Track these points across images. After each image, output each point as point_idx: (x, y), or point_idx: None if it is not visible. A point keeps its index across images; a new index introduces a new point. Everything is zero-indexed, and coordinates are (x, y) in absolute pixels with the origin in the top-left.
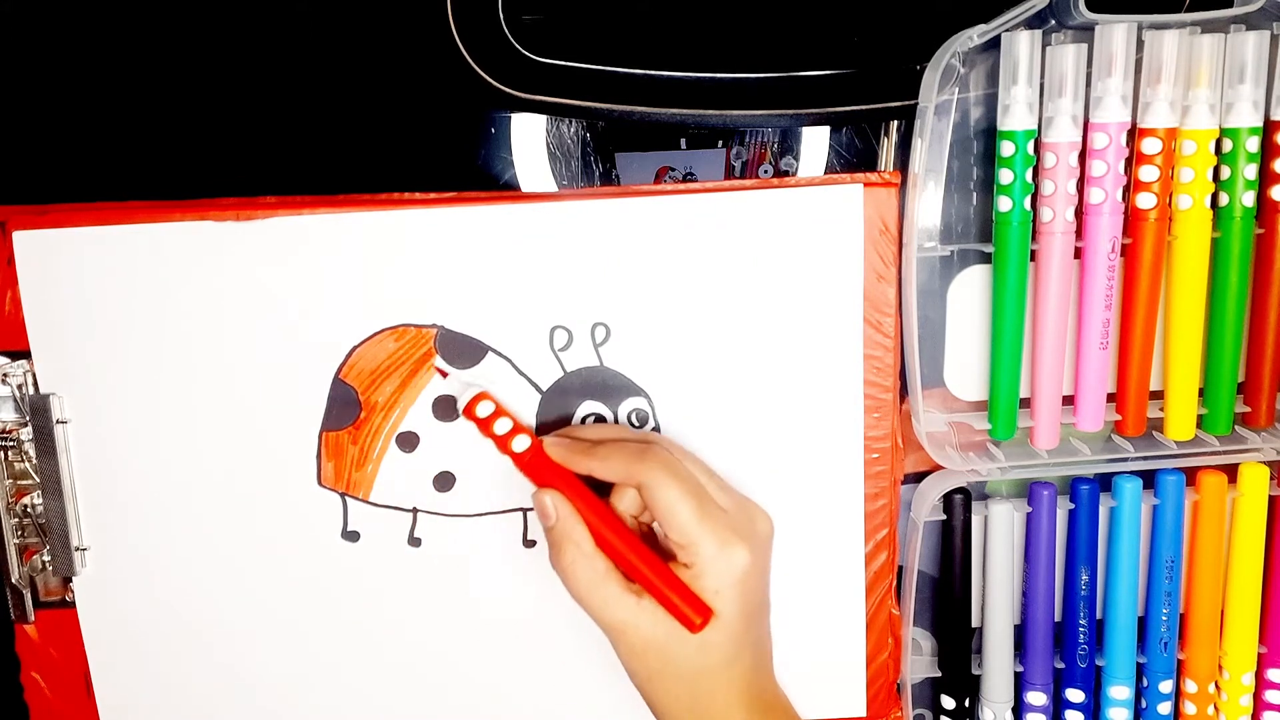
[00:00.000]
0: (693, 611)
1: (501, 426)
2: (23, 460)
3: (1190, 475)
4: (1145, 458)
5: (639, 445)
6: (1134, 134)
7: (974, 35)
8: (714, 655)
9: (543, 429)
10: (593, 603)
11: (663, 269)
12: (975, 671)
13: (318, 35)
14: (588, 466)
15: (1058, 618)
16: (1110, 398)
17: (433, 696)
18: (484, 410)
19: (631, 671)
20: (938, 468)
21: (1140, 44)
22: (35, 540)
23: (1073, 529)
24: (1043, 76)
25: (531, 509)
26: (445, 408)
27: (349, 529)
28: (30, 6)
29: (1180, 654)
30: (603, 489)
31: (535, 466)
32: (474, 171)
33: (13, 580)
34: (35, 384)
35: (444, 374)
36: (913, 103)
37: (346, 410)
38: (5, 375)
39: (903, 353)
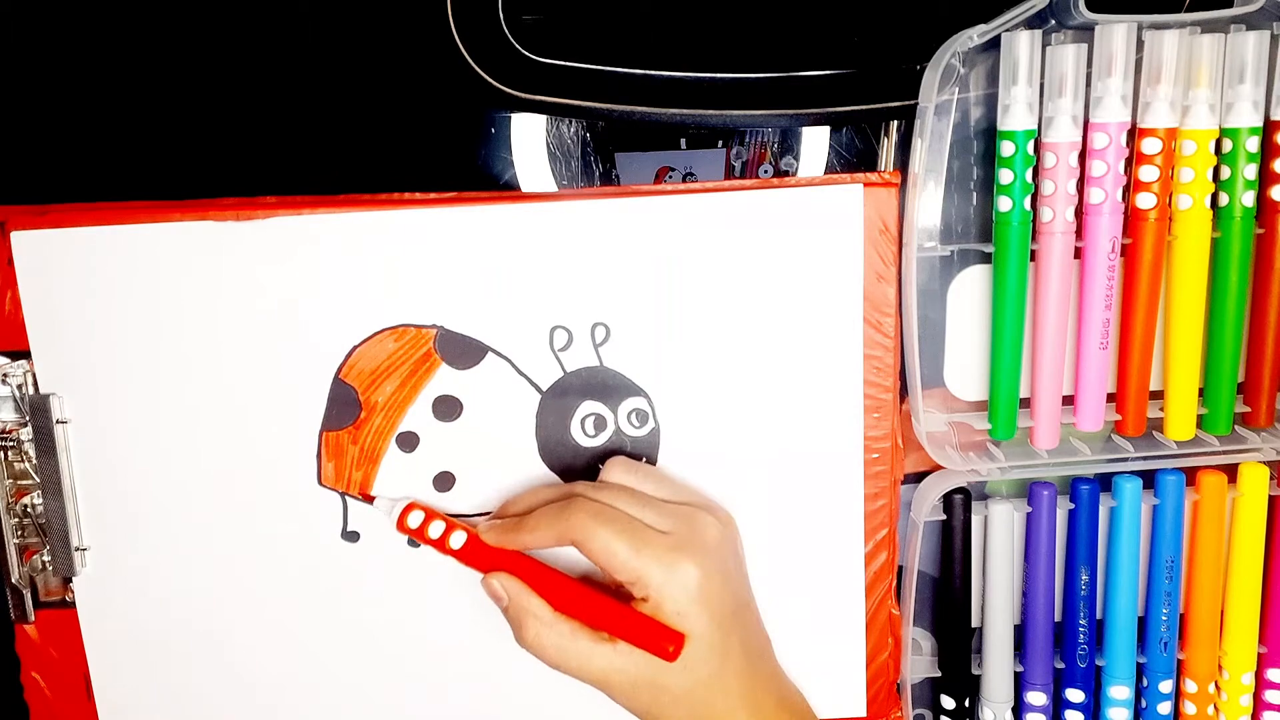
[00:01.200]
0: (664, 641)
1: (435, 530)
2: (23, 460)
3: (1190, 475)
4: (1145, 458)
5: (561, 504)
6: (1134, 134)
7: (974, 35)
8: (700, 671)
9: (543, 429)
10: (570, 664)
11: (663, 269)
12: (975, 671)
13: (318, 35)
14: (522, 542)
15: (1058, 618)
16: (1110, 398)
17: (433, 696)
18: (414, 520)
19: (630, 709)
20: (938, 468)
21: (1140, 44)
22: (35, 540)
23: (1073, 529)
24: (1043, 76)
25: None
26: (445, 408)
27: (349, 529)
28: (30, 6)
29: (1180, 654)
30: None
31: (477, 556)
32: (474, 171)
33: (13, 580)
34: (35, 384)
35: (370, 498)
36: (913, 103)
37: (346, 410)
38: (5, 375)
39: (903, 353)
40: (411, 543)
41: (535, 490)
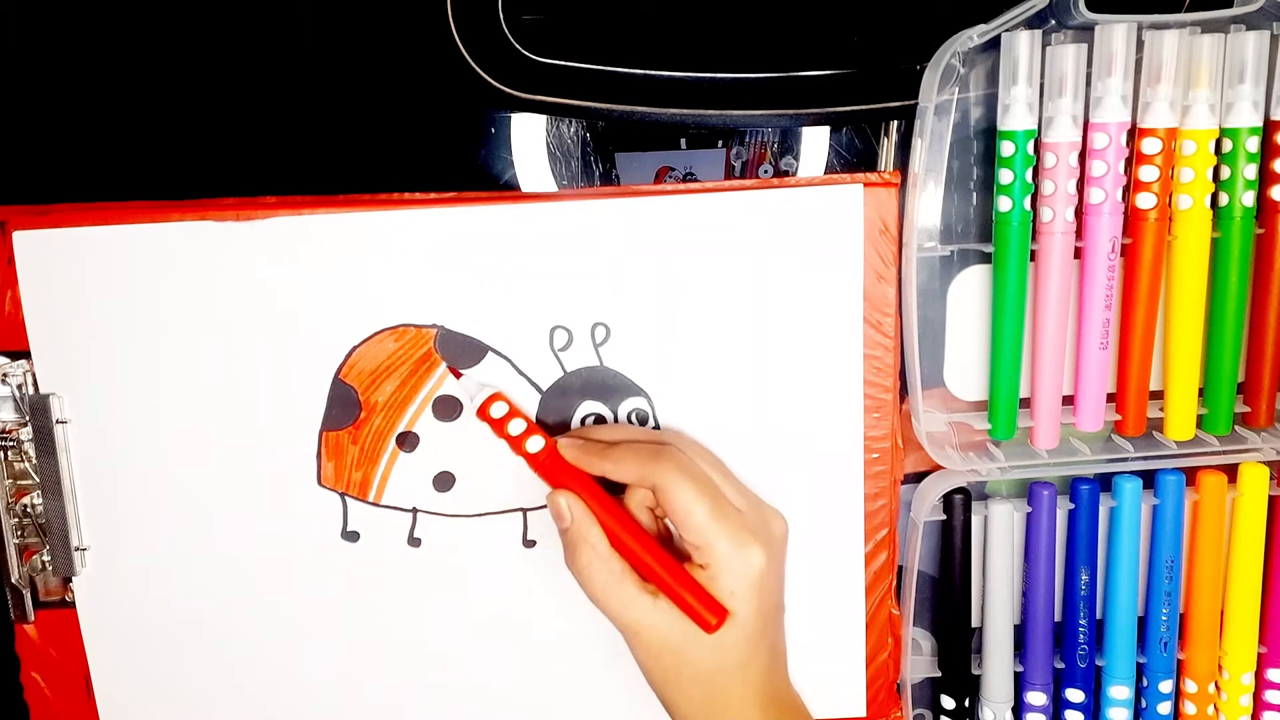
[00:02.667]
0: (708, 612)
1: (516, 427)
2: (23, 460)
3: (1190, 475)
4: (1145, 458)
5: (653, 446)
6: (1134, 134)
7: (974, 35)
8: (730, 656)
9: (543, 429)
10: (609, 603)
11: (663, 269)
12: (975, 671)
13: (318, 35)
14: (602, 468)
15: (1058, 618)
16: (1110, 398)
17: (433, 696)
18: (498, 411)
19: (647, 671)
20: (938, 468)
21: (1140, 44)
22: (35, 540)
23: (1072, 529)
24: (1043, 76)
25: (531, 509)
26: (445, 408)
27: (349, 529)
28: (30, 6)
29: (1180, 654)
30: (617, 489)
31: (549, 467)
32: (474, 171)
33: (13, 580)
34: (35, 384)
35: (458, 374)
36: (913, 103)
37: (346, 410)
38: (5, 375)
39: (903, 352)
40: (412, 542)
41: (621, 426)
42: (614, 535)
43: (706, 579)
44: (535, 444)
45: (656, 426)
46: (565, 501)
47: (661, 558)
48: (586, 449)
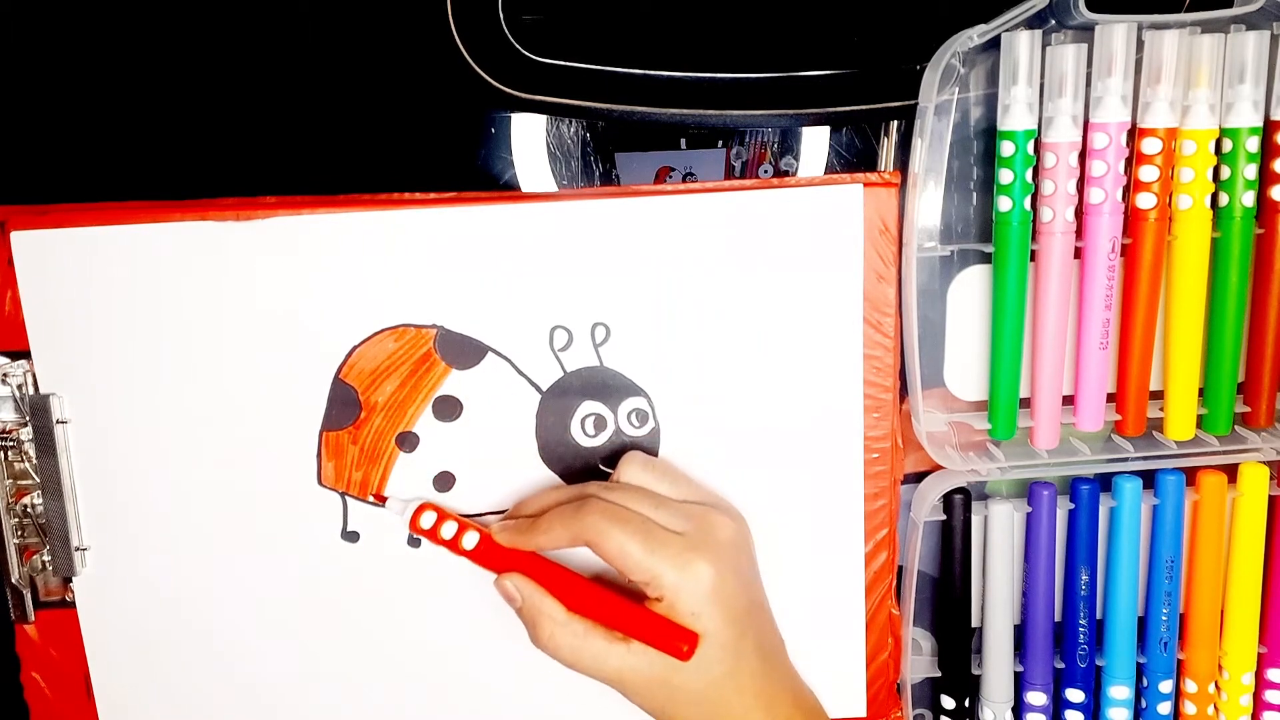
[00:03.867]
0: (677, 640)
1: (448, 531)
2: (23, 460)
3: (1190, 475)
4: (1145, 458)
5: (575, 505)
6: (1134, 134)
7: (974, 35)
8: (715, 669)
9: (543, 429)
10: (584, 664)
11: (663, 269)
12: (975, 671)
13: (318, 35)
14: (535, 543)
15: (1058, 618)
16: (1110, 398)
17: (433, 696)
18: (427, 521)
19: (644, 708)
20: (938, 468)
21: (1140, 44)
22: (35, 540)
23: (1072, 529)
24: (1043, 76)
25: None
26: (445, 408)
27: (349, 529)
28: (30, 6)
29: (1180, 654)
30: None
31: (491, 556)
32: (474, 171)
33: (13, 580)
34: (35, 384)
35: (382, 499)
36: (913, 103)
37: (346, 410)
38: (5, 375)
39: (903, 352)
40: (412, 542)
41: (547, 491)
42: (569, 598)
43: (666, 609)
44: (471, 540)
45: (656, 427)
46: (512, 584)
47: (619, 604)
48: (517, 529)
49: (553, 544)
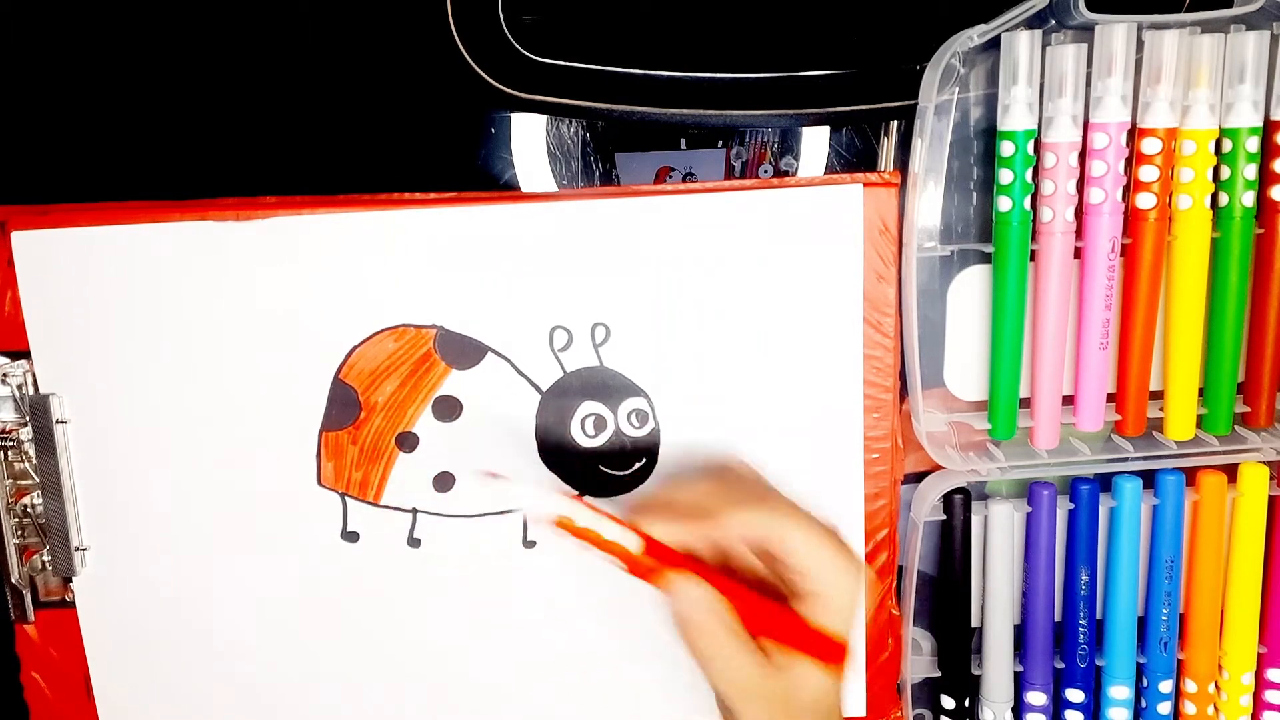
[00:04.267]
0: (831, 650)
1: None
2: (23, 460)
3: (1190, 475)
4: (1145, 458)
5: (748, 493)
6: (1134, 134)
7: (974, 35)
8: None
9: (543, 429)
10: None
11: (663, 269)
12: (975, 671)
13: (318, 35)
14: (712, 538)
15: (1058, 618)
16: (1110, 398)
17: (433, 696)
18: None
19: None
20: (938, 468)
21: (1140, 44)
22: (35, 540)
23: (1072, 529)
24: (1043, 76)
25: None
26: (445, 408)
27: (349, 529)
28: (30, 6)
29: (1180, 654)
30: None
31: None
32: (474, 171)
33: (13, 580)
34: (35, 384)
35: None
36: (913, 103)
37: (346, 410)
38: (5, 375)
39: (903, 353)
40: (412, 542)
41: (677, 483)
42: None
43: (817, 606)
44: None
45: (657, 427)
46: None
47: (779, 611)
48: (684, 518)
49: (726, 536)
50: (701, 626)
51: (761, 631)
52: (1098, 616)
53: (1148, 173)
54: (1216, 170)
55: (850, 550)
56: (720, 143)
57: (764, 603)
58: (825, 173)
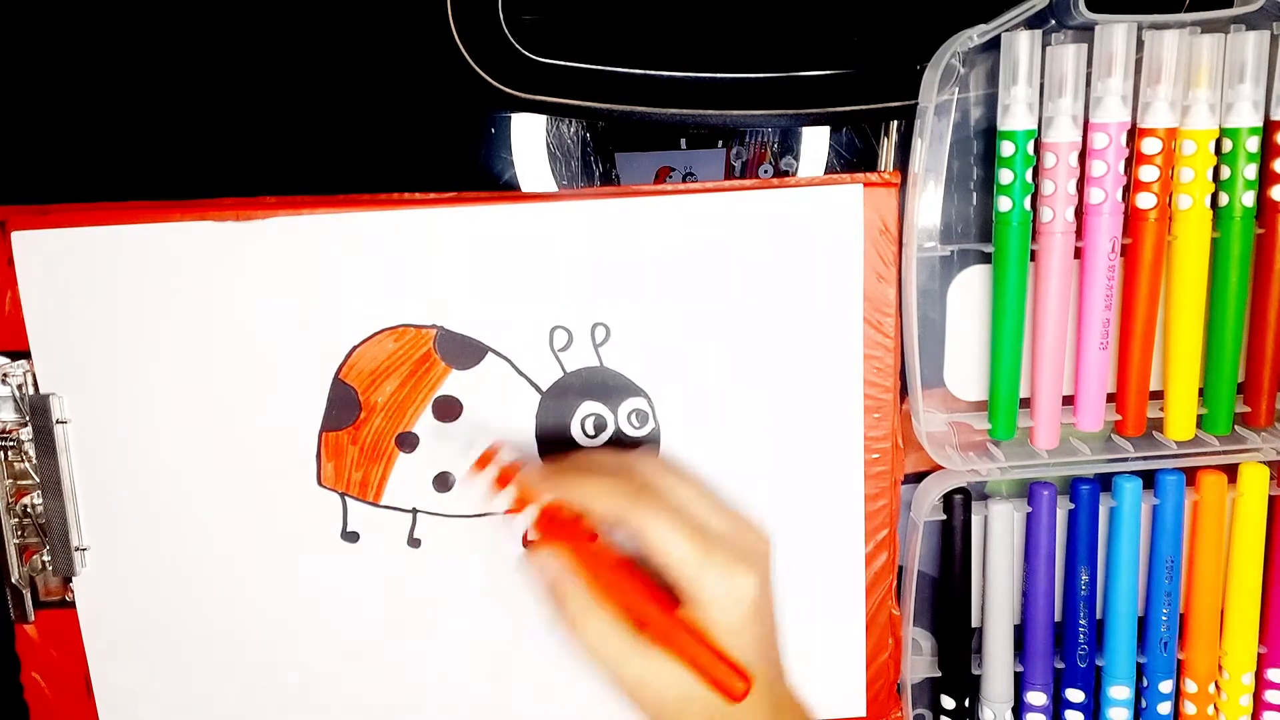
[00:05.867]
0: (732, 679)
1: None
2: (23, 460)
3: (1190, 475)
4: (1145, 458)
5: (629, 478)
6: (1134, 134)
7: (974, 35)
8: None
9: (542, 430)
10: (604, 658)
11: (663, 269)
12: (975, 671)
13: (318, 35)
14: (577, 493)
15: (1058, 618)
16: (1110, 398)
17: (433, 697)
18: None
19: (649, 715)
20: (938, 468)
21: (1140, 44)
22: (35, 540)
23: (1073, 529)
24: (1042, 76)
25: None
26: (445, 408)
27: (349, 529)
28: (30, 6)
29: (1180, 654)
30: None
31: (546, 524)
32: (474, 171)
33: (13, 580)
34: (35, 384)
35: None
36: (913, 103)
37: (346, 410)
38: (5, 375)
39: (903, 353)
40: (412, 542)
41: (593, 452)
42: (612, 590)
43: (700, 617)
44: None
45: (657, 427)
46: (543, 559)
47: (673, 622)
48: (560, 469)
49: (589, 502)
50: (556, 595)
51: (658, 638)
52: (1098, 616)
53: (1148, 173)
54: (1216, 170)
55: (741, 575)
56: (720, 143)
57: (656, 606)
58: (825, 173)
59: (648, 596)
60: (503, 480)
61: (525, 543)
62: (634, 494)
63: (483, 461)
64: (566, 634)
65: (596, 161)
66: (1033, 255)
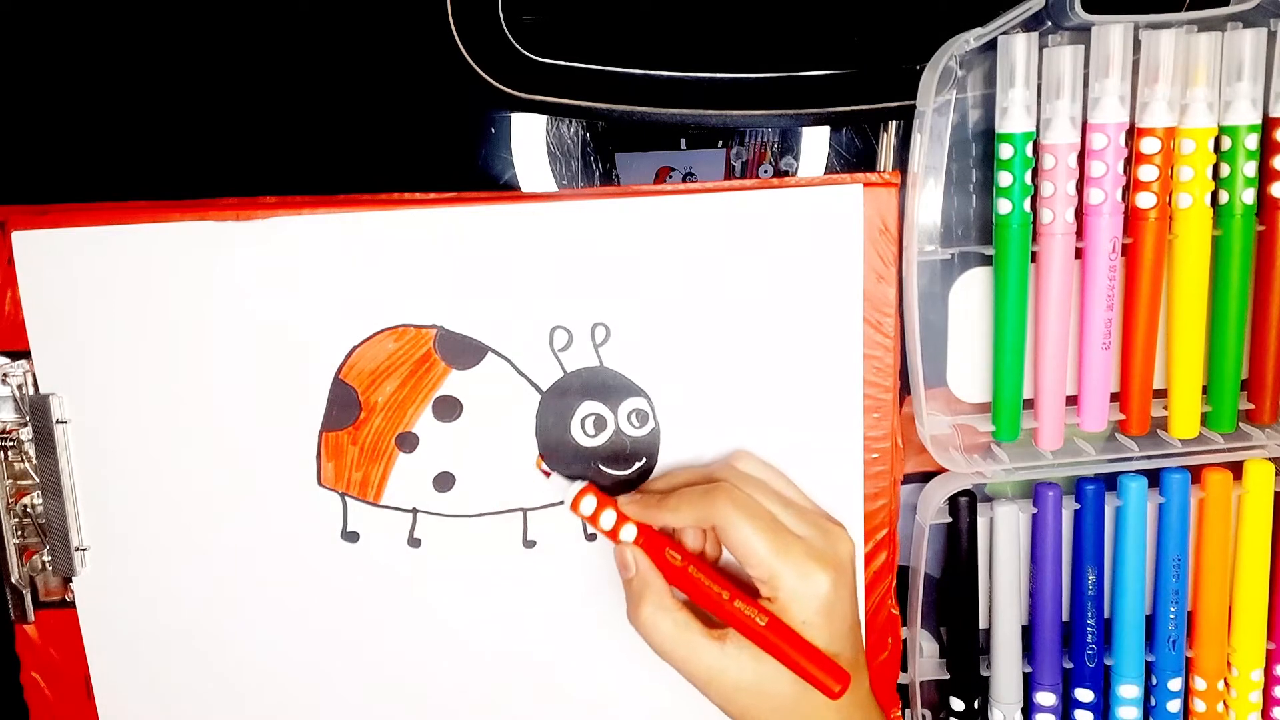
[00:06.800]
0: (830, 679)
1: (607, 520)
2: (23, 460)
3: (1195, 473)
4: (1150, 456)
5: (705, 488)
6: (1133, 134)
7: (970, 39)
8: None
9: (543, 429)
10: (676, 656)
11: (663, 269)
12: (984, 673)
13: (318, 35)
14: (661, 520)
15: (1065, 618)
16: (1113, 397)
17: (433, 697)
18: (588, 507)
19: (724, 709)
20: (940, 468)
21: (1137, 44)
22: (35, 540)
23: (1078, 529)
24: (1040, 78)
25: (531, 509)
26: (445, 408)
27: (349, 529)
28: (30, 6)
29: (1189, 652)
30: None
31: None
32: (474, 171)
33: (13, 580)
34: (35, 384)
35: (547, 474)
36: (912, 103)
37: (346, 410)
38: (5, 375)
39: (904, 355)
40: (412, 542)
41: (676, 471)
42: (701, 595)
43: (778, 612)
44: (628, 533)
45: (657, 427)
46: (631, 553)
47: (777, 627)
48: (645, 502)
49: (678, 522)
50: (632, 591)
51: (753, 638)
52: (1105, 616)
53: (1147, 172)
54: (1216, 168)
55: (816, 568)
56: (720, 143)
57: (744, 609)
58: (825, 173)
59: (733, 592)
60: (595, 517)
61: (606, 535)
62: (708, 497)
63: (575, 505)
64: (638, 628)
65: (596, 161)
66: (1033, 257)
